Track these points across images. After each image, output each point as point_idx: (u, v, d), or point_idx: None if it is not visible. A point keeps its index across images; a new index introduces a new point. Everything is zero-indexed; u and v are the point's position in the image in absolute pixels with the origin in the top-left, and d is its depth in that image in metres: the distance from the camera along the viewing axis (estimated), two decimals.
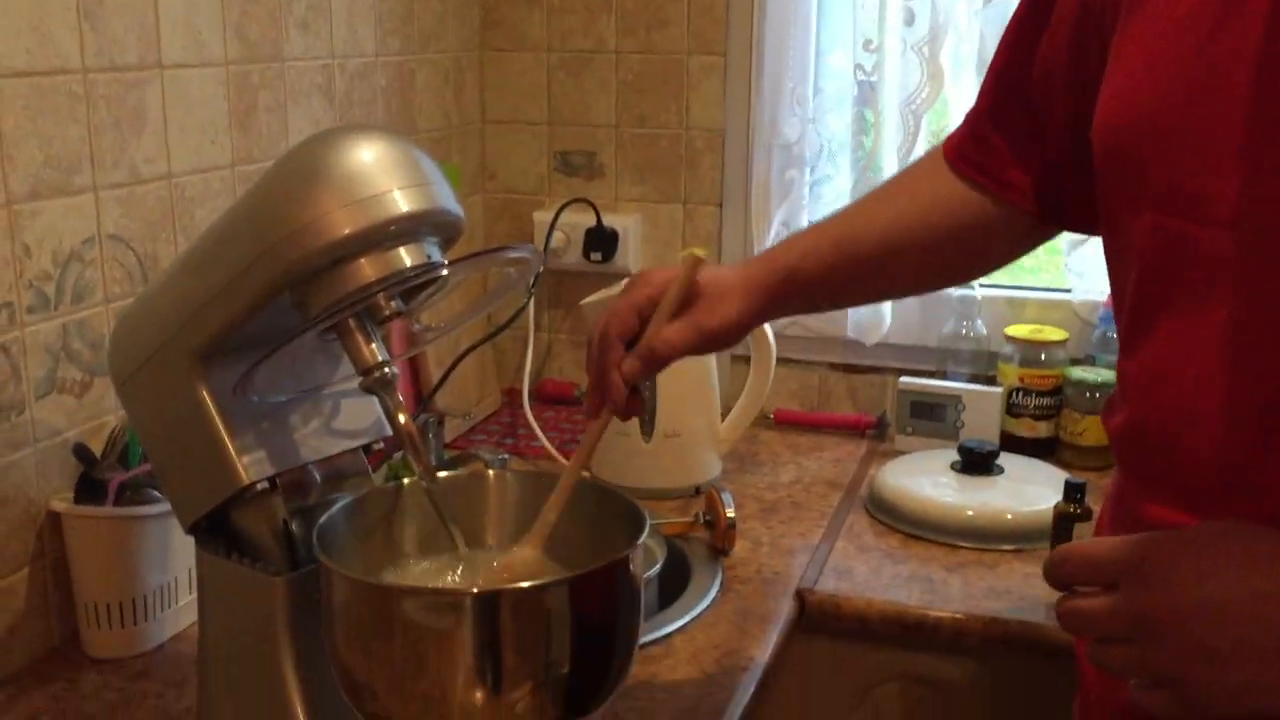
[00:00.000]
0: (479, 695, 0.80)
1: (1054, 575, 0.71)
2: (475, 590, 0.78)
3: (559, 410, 1.83)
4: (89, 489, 1.11)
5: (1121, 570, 0.67)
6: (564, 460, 1.56)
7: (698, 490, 1.51)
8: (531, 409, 1.63)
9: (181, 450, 0.94)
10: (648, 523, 0.87)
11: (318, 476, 0.98)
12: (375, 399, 0.93)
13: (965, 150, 0.97)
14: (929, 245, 0.98)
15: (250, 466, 0.91)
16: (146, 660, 1.13)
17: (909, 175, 1.04)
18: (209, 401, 0.90)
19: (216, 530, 0.96)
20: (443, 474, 0.98)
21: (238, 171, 1.32)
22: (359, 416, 0.98)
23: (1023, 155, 0.94)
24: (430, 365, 1.62)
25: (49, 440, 1.12)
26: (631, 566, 0.86)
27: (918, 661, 1.26)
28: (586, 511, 0.94)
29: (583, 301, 1.57)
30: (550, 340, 1.90)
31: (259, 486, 0.91)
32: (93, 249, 1.14)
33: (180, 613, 1.16)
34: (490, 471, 0.99)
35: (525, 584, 0.80)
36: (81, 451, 1.11)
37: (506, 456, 1.35)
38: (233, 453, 0.90)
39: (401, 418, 0.86)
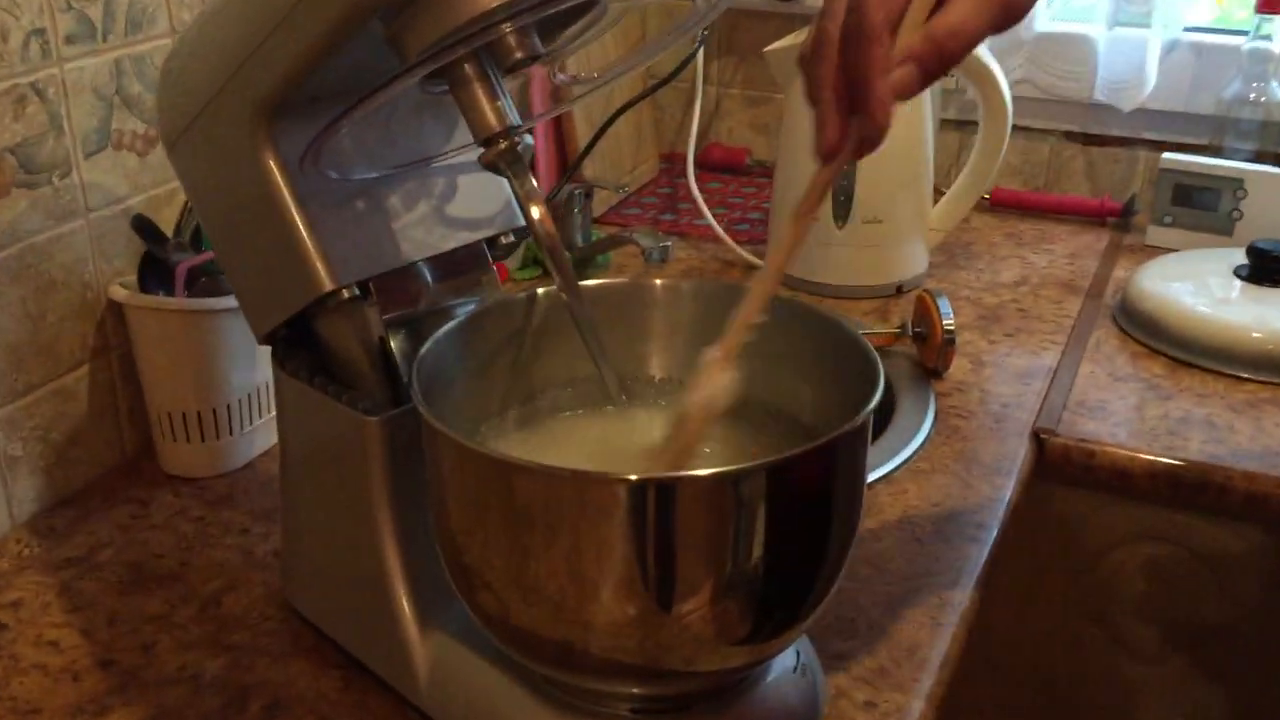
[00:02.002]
0: (636, 606, 0.57)
1: None
2: (634, 478, 0.53)
3: (727, 181, 1.55)
4: (156, 273, 0.90)
5: None
6: (731, 242, 1.29)
7: (899, 289, 1.23)
8: (696, 178, 1.35)
9: (247, 239, 0.70)
10: (880, 372, 0.61)
11: (429, 277, 0.73)
12: (501, 179, 0.66)
13: None
14: None
15: (335, 267, 0.66)
16: (232, 481, 0.93)
17: None
18: (278, 177, 0.66)
19: (299, 342, 0.73)
20: (593, 282, 0.72)
21: None
22: (482, 199, 0.73)
23: None
24: (577, 125, 1.34)
25: (106, 209, 0.89)
26: (860, 444, 0.60)
27: (1187, 526, 0.99)
28: (786, 345, 0.68)
29: (766, 49, 1.26)
30: (719, 96, 1.60)
31: (346, 293, 0.67)
32: None
33: (272, 426, 0.95)
34: (658, 282, 0.72)
35: (707, 472, 0.55)
36: (144, 225, 0.89)
37: (668, 243, 1.09)
38: (310, 247, 0.66)
39: (535, 211, 0.59)
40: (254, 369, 0.92)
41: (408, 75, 0.57)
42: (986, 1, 0.57)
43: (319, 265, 0.66)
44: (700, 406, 0.59)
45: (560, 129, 1.37)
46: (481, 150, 0.62)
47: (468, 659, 0.68)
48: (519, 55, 0.60)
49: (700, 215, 1.31)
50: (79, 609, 0.79)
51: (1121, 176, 1.43)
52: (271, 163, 0.65)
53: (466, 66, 0.60)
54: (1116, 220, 1.40)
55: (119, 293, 0.88)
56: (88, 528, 0.87)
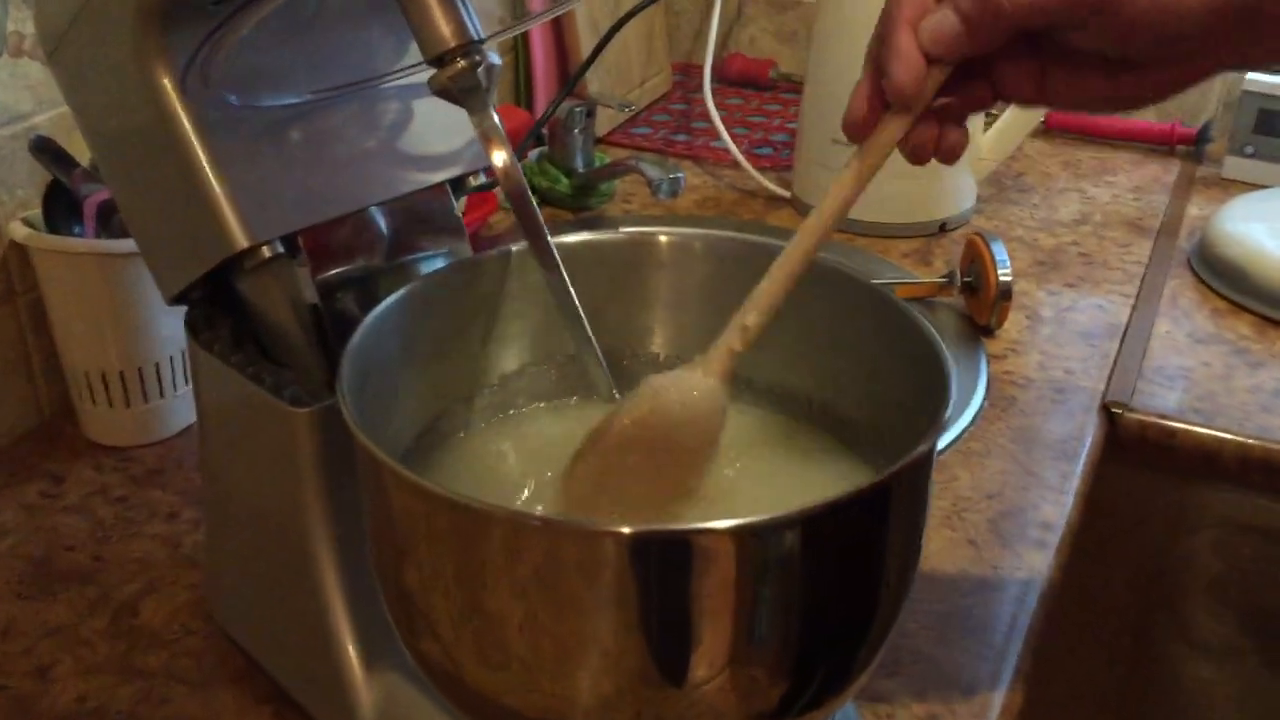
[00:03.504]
0: (631, 678, 0.43)
1: None
2: (629, 531, 0.39)
3: (748, 97, 1.39)
4: (65, 207, 0.75)
5: None
6: (751, 169, 1.13)
7: (942, 228, 1.08)
8: (713, 94, 1.18)
9: (144, 178, 0.55)
10: (951, 377, 0.46)
11: (382, 226, 0.59)
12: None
13: None
14: None
15: (251, 218, 0.52)
16: (164, 452, 0.79)
17: None
18: (174, 100, 0.51)
19: (220, 303, 0.59)
20: (582, 237, 0.57)
21: None
22: (446, 130, 0.58)
23: None
24: (580, 32, 1.18)
25: (3, 129, 0.74)
26: (923, 477, 0.46)
27: (1269, 510, 0.86)
28: (831, 321, 0.54)
29: None
30: (741, 0, 1.43)
31: (266, 251, 0.52)
32: None
33: None
34: (662, 238, 0.57)
35: (726, 525, 0.40)
36: (46, 148, 0.74)
37: (679, 174, 0.94)
38: (219, 194, 0.51)
39: (498, 156, 0.44)
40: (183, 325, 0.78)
41: None
42: None
43: (229, 217, 0.52)
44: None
45: (561, 35, 1.21)
46: (431, 71, 0.47)
47: (424, 709, 0.54)
48: None
49: (717, 137, 1.15)
50: None
51: (1194, 99, 1.27)
52: (165, 81, 0.50)
53: None
54: (1188, 149, 1.24)
55: (19, 231, 0.74)
56: None
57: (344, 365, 0.46)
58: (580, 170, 1.09)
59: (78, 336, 0.76)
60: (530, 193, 0.45)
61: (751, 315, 0.47)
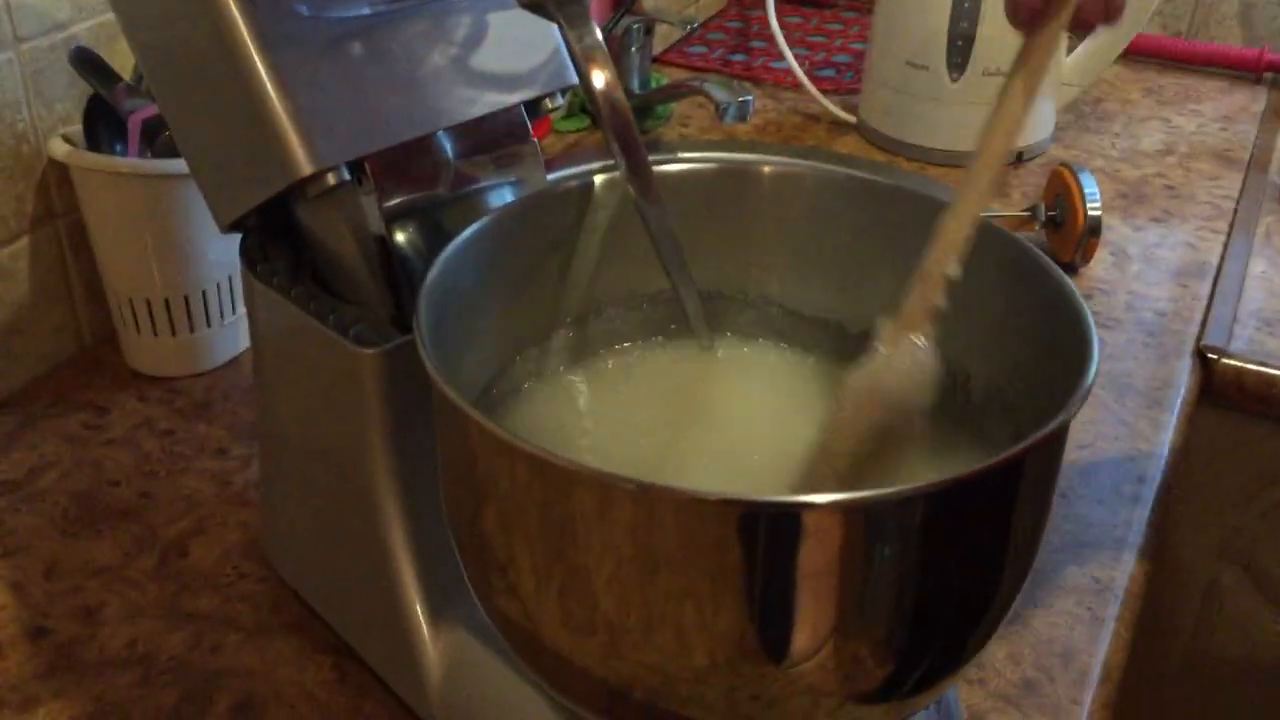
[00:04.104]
0: (729, 651, 0.40)
1: None
2: (739, 501, 0.35)
3: (808, 15, 1.32)
4: (109, 124, 0.71)
5: None
6: (815, 90, 1.08)
7: (1019, 158, 1.02)
8: (776, 10, 1.12)
9: (200, 97, 0.51)
10: (1094, 342, 0.42)
11: (449, 152, 0.54)
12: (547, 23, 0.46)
13: None
14: None
15: (317, 142, 0.47)
16: (211, 383, 0.76)
17: None
18: (235, 11, 0.46)
19: (278, 234, 0.55)
20: (675, 167, 0.52)
21: None
22: (520, 47, 0.53)
23: None
24: None
25: (42, 39, 0.70)
26: (1056, 452, 0.42)
27: None
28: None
29: None
30: None
31: (332, 178, 0.48)
32: None
33: None
34: (765, 169, 0.52)
35: (838, 498, 0.36)
36: (88, 60, 0.69)
37: (748, 97, 0.88)
38: (282, 116, 0.47)
39: (599, 78, 0.40)
40: (233, 251, 0.74)
41: None
42: None
43: (294, 140, 0.47)
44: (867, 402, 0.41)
45: None
46: None
47: (493, 668, 0.51)
48: None
49: (777, 57, 1.10)
50: (10, 553, 0.63)
51: None
52: None
53: None
54: (1276, 76, 1.17)
55: (60, 148, 0.69)
56: (28, 440, 0.70)
57: (421, 304, 0.42)
58: (637, 91, 1.04)
59: (120, 261, 0.72)
60: (634, 120, 0.40)
61: (952, 263, 0.41)
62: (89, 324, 0.77)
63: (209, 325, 0.75)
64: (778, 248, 0.52)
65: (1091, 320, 0.42)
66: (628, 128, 0.41)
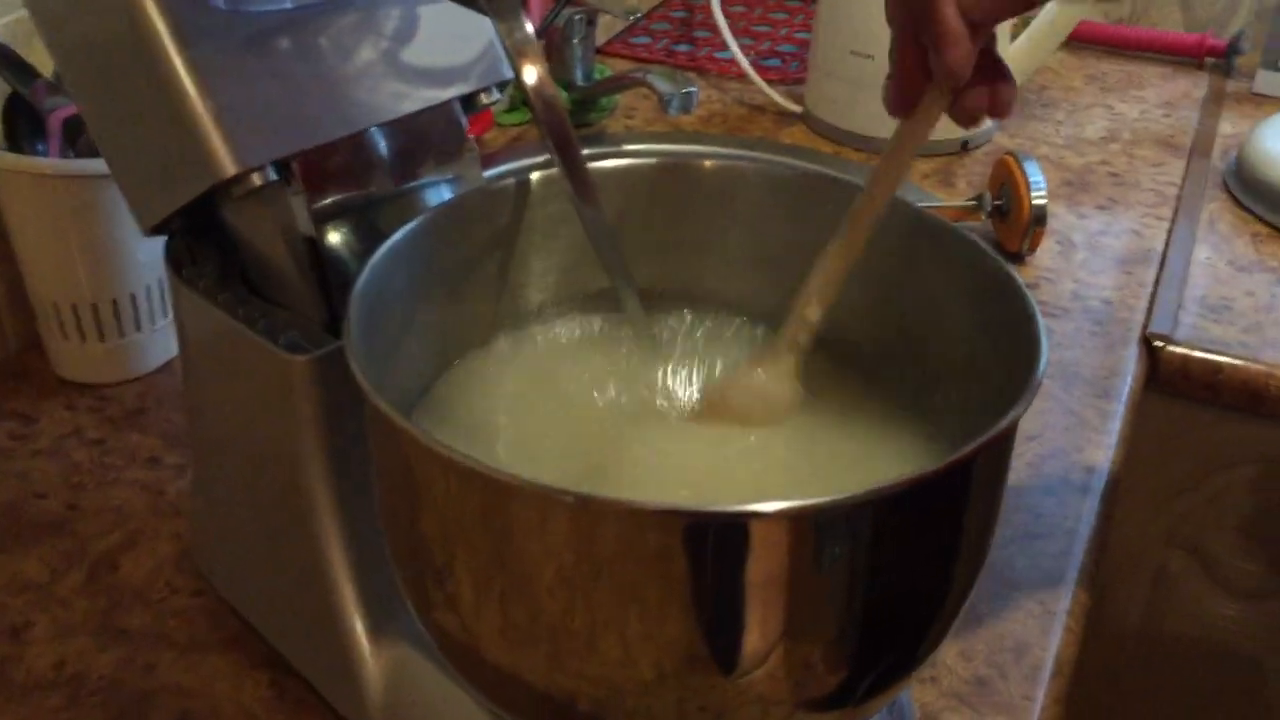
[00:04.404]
0: (676, 661, 0.39)
1: None
2: (682, 511, 0.34)
3: (752, 4, 1.31)
4: (24, 123, 0.68)
5: None
6: (760, 81, 1.07)
7: (964, 146, 1.02)
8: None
9: (116, 94, 0.49)
10: (1042, 334, 0.41)
11: (384, 149, 0.53)
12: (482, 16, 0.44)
13: None
14: None
15: (240, 141, 0.46)
16: (144, 389, 0.73)
17: None
18: (153, 7, 0.44)
19: (205, 234, 0.53)
20: (615, 164, 0.51)
21: None
22: (454, 40, 0.51)
23: None
24: None
25: None
26: (1005, 450, 0.41)
27: None
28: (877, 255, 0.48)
29: None
30: None
31: (257, 178, 0.46)
32: None
33: None
34: (706, 162, 0.51)
35: (785, 507, 0.35)
36: (3, 56, 0.67)
37: (693, 89, 0.87)
38: (203, 114, 0.45)
39: (531, 72, 0.39)
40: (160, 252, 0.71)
41: None
42: None
43: (216, 140, 0.45)
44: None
45: None
46: None
47: (436, 682, 0.50)
48: None
49: (722, 47, 1.08)
50: None
51: (1224, 8, 1.20)
52: None
53: None
54: (1217, 62, 1.18)
55: None
56: None
57: (351, 311, 0.41)
58: (580, 83, 1.02)
59: (45, 265, 0.70)
60: (567, 117, 0.39)
61: (813, 307, 0.45)
62: (13, 330, 0.75)
63: (139, 329, 0.72)
64: (720, 244, 0.51)
65: (1041, 319, 0.41)
66: (561, 124, 0.39)
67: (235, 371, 0.52)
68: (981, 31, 0.41)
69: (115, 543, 0.62)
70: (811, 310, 0.44)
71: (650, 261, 0.50)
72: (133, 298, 0.71)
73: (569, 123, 0.40)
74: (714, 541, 0.36)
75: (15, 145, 0.68)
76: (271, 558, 0.54)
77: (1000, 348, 0.43)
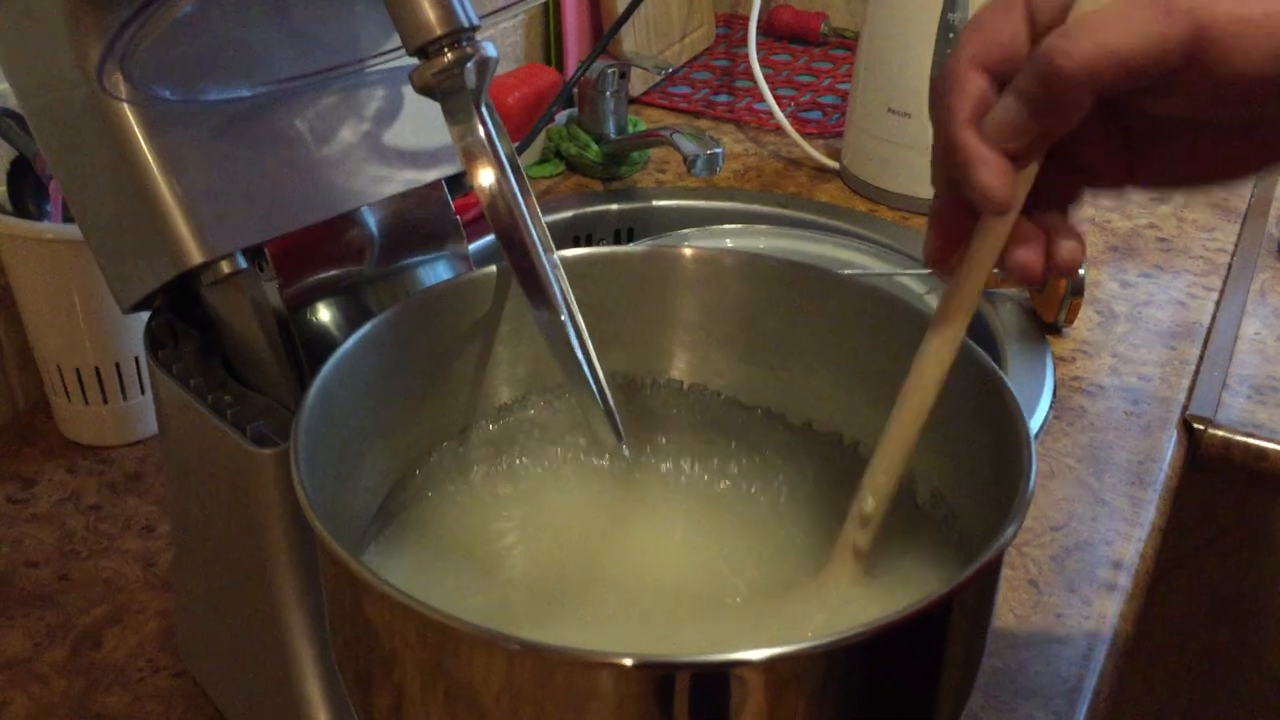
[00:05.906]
0: None
1: None
2: (658, 663, 0.31)
3: (796, 53, 1.29)
4: (30, 186, 0.68)
5: None
6: (796, 135, 1.04)
7: None
8: (759, 48, 1.09)
9: (89, 175, 0.48)
10: (1033, 459, 0.38)
11: (372, 228, 0.51)
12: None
13: None
14: None
15: (207, 229, 0.44)
16: (144, 454, 0.72)
17: None
18: (116, 94, 0.43)
19: (186, 312, 0.52)
20: (595, 250, 0.49)
21: None
22: (435, 126, 0.50)
23: None
24: None
25: None
26: (991, 583, 0.38)
27: None
28: (865, 347, 0.46)
29: None
30: None
31: (226, 266, 0.45)
32: None
33: None
34: (687, 251, 0.49)
35: (763, 655, 0.32)
36: (12, 121, 0.66)
37: (718, 149, 0.85)
38: (169, 202, 0.44)
39: (485, 177, 0.36)
40: None
41: None
42: (1141, 13, 0.33)
43: (182, 227, 0.44)
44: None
45: None
46: (413, 60, 0.39)
47: None
48: None
49: (761, 98, 1.06)
50: None
51: None
52: (107, 76, 0.43)
53: None
54: None
55: None
56: None
57: (299, 433, 0.38)
58: (612, 136, 1.00)
59: (49, 328, 0.69)
60: (526, 223, 0.37)
61: (870, 501, 0.40)
62: (22, 390, 0.74)
63: (143, 393, 0.72)
64: (704, 330, 0.49)
65: (1030, 431, 0.38)
66: (515, 230, 0.37)
67: (206, 457, 0.50)
68: (1022, 168, 0.36)
69: (101, 616, 0.61)
70: (870, 505, 0.40)
71: (631, 346, 0.48)
72: (136, 361, 0.70)
73: (526, 227, 0.38)
74: (689, 692, 0.33)
75: (21, 207, 0.68)
76: (241, 650, 0.53)
77: (995, 462, 0.40)
